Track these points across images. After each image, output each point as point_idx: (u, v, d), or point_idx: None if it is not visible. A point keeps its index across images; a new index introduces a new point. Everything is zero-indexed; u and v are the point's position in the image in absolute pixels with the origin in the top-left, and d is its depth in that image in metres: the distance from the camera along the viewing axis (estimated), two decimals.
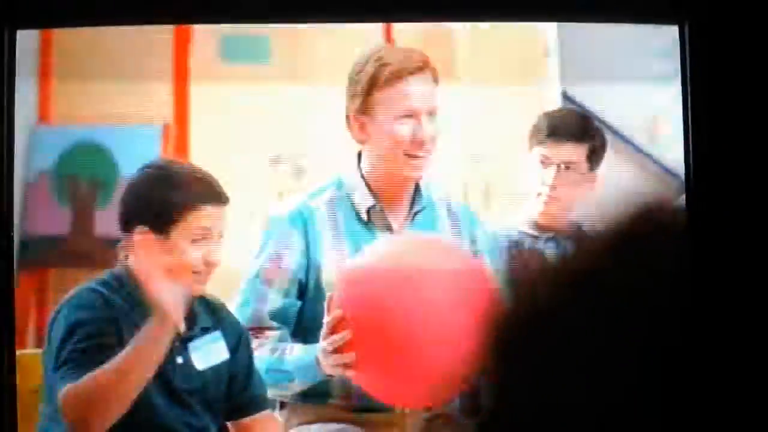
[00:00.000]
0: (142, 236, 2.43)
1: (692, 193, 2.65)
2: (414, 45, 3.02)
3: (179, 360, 2.47)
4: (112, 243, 2.93)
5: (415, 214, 2.70)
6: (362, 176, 2.67)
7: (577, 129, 2.83)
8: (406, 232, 2.68)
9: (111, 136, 2.85)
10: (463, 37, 3.04)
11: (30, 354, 2.73)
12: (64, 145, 2.88)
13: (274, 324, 2.60)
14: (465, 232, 2.75)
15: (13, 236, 2.67)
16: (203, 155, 2.87)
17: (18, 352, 2.69)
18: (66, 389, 2.33)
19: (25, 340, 2.87)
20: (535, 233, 2.84)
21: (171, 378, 2.44)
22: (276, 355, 2.57)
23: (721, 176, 2.64)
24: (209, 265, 2.46)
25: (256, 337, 2.59)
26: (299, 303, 2.62)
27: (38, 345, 2.90)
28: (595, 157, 2.83)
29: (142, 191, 2.47)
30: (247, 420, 2.55)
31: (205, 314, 2.53)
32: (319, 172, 3.00)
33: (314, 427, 2.60)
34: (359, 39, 2.97)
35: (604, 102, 3.02)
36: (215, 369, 2.51)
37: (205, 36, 2.91)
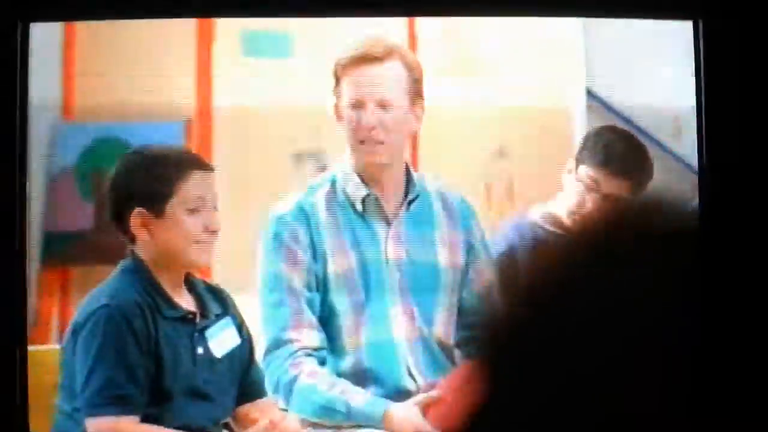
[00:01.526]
0: (138, 217, 2.43)
1: (706, 187, 2.63)
2: (436, 40, 3.01)
3: (200, 351, 2.46)
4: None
5: (410, 202, 2.71)
6: (354, 167, 2.69)
7: (632, 165, 2.77)
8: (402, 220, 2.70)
9: (134, 132, 2.85)
10: (486, 32, 3.03)
11: (53, 350, 2.73)
12: (88, 141, 2.87)
13: (313, 319, 2.61)
14: (460, 224, 2.75)
15: (26, 233, 2.67)
16: (226, 151, 2.87)
17: (41, 348, 2.70)
18: (96, 424, 2.35)
19: (49, 337, 2.87)
20: (561, 232, 2.82)
21: (193, 372, 2.44)
22: (334, 392, 2.58)
23: (735, 172, 2.62)
24: (210, 232, 2.46)
25: (297, 359, 2.59)
26: (318, 295, 2.64)
27: (61, 341, 2.90)
28: (637, 191, 2.80)
29: (128, 177, 2.47)
30: (246, 407, 2.54)
31: (214, 300, 2.54)
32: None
33: None
34: (383, 34, 2.96)
35: (629, 99, 3.00)
36: (229, 355, 2.51)
37: (228, 31, 2.91)
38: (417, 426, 2.51)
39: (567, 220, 2.82)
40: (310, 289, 2.63)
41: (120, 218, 2.47)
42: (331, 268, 2.63)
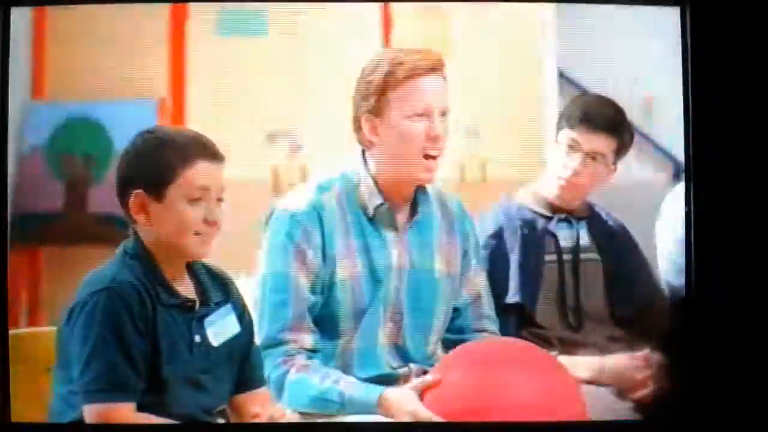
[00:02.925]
0: (137, 199, 2.37)
1: (691, 173, 2.65)
2: (411, 22, 3.00)
3: (197, 339, 2.41)
4: (106, 219, 2.89)
5: (418, 212, 2.69)
6: (370, 175, 2.65)
7: (611, 121, 2.79)
8: (407, 237, 2.68)
9: (106, 111, 2.81)
10: (460, 15, 3.03)
11: (24, 333, 2.69)
12: (58, 120, 2.83)
13: (312, 324, 2.59)
14: (458, 230, 2.74)
15: (7, 216, 2.63)
16: (199, 130, 2.83)
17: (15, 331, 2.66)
18: (93, 410, 2.32)
19: (18, 320, 2.82)
20: (548, 213, 2.82)
21: (190, 361, 2.39)
22: (326, 384, 2.56)
23: (721, 157, 2.65)
24: (210, 224, 2.40)
25: (289, 356, 2.57)
26: (321, 299, 2.62)
27: (31, 323, 2.86)
28: (621, 151, 2.81)
29: (134, 156, 2.41)
30: (244, 396, 2.51)
31: (215, 287, 2.48)
32: (315, 148, 2.98)
33: None
34: (357, 14, 2.94)
35: (599, 81, 3.01)
36: (228, 343, 2.47)
37: (202, 9, 2.87)
38: (413, 409, 2.49)
39: (554, 193, 2.81)
40: (314, 293, 2.60)
41: (122, 197, 2.41)
42: (339, 274, 2.61)
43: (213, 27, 2.89)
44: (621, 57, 2.94)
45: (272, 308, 2.58)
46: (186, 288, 2.44)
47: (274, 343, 2.56)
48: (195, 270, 2.47)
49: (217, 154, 2.41)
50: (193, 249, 2.41)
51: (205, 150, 2.40)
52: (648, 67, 2.90)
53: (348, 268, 2.63)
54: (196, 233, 2.39)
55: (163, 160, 2.37)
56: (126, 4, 2.77)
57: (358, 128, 2.64)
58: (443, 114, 2.63)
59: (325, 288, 2.61)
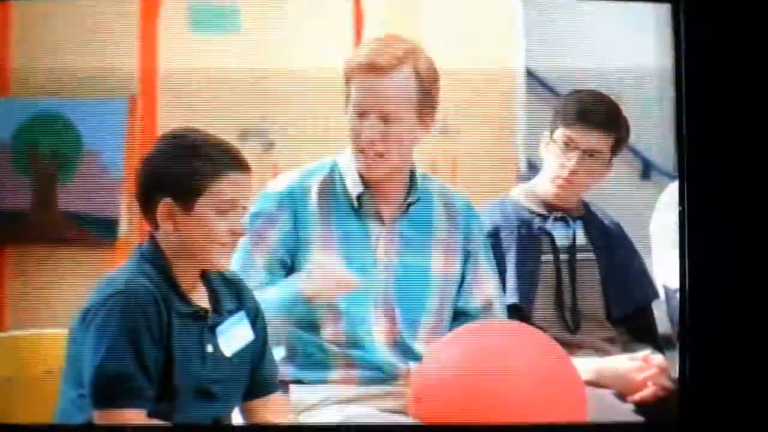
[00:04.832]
0: (166, 208, 2.33)
1: (684, 171, 2.66)
2: (383, 16, 2.98)
3: (209, 349, 2.37)
4: (75, 218, 2.84)
5: (409, 204, 2.66)
6: (355, 164, 2.62)
7: (607, 117, 2.76)
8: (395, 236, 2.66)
9: (75, 109, 2.74)
10: (428, 10, 3.01)
11: (24, 335, 2.63)
12: (24, 116, 2.76)
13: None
14: (461, 226, 2.71)
15: None
16: (171, 127, 2.78)
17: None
18: (103, 415, 2.27)
19: None
20: (544, 212, 2.80)
21: (202, 371, 2.35)
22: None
23: (714, 157, 2.66)
24: (235, 235, 2.37)
25: None
26: (281, 279, 2.59)
27: None
28: (618, 147, 2.79)
29: (161, 162, 2.35)
30: (257, 402, 2.47)
31: (228, 294, 2.44)
32: (288, 146, 2.95)
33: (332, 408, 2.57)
34: (329, 9, 2.92)
35: (567, 79, 3.01)
36: (240, 352, 2.43)
37: (174, 5, 2.82)
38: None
39: (551, 192, 2.79)
40: (271, 272, 2.57)
41: (147, 204, 2.35)
42: (313, 257, 2.59)
43: (185, 23, 2.84)
44: (589, 53, 2.94)
45: None
46: (199, 296, 2.40)
47: None
48: (209, 277, 2.42)
49: (245, 166, 2.36)
50: (216, 260, 2.37)
51: (235, 161, 2.35)
52: (617, 64, 2.90)
53: (323, 255, 2.60)
54: (221, 244, 2.36)
55: (194, 170, 2.32)
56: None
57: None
58: (384, 119, 2.57)
59: (295, 270, 2.59)
